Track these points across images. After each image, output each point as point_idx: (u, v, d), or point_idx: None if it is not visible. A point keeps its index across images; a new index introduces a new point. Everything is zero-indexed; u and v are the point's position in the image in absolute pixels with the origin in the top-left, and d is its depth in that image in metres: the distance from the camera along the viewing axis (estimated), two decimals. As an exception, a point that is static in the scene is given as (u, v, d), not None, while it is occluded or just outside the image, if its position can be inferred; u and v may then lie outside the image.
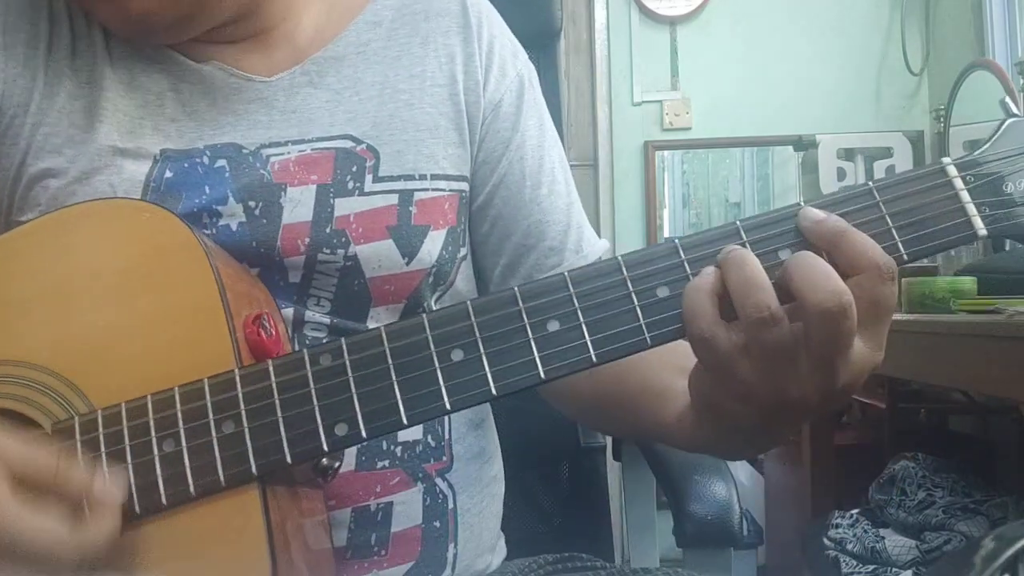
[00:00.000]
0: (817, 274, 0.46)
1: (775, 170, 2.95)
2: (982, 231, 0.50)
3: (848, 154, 2.49)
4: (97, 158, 0.65)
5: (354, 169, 0.67)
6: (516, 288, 0.50)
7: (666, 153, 2.84)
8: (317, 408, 0.50)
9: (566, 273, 0.50)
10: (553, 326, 0.50)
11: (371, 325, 0.67)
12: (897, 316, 1.70)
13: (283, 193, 0.65)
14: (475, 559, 0.72)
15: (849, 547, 1.71)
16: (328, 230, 0.65)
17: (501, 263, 0.75)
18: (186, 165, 0.65)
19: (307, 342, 0.65)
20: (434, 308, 0.72)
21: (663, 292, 0.50)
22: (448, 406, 0.49)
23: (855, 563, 1.69)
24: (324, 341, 0.66)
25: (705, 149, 2.86)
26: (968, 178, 0.50)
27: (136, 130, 0.66)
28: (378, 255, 0.66)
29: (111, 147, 0.65)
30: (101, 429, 0.51)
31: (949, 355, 1.19)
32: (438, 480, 0.69)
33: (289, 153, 0.67)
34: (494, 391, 0.49)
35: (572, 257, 0.75)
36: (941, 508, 1.65)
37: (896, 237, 0.50)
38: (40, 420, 0.53)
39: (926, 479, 1.71)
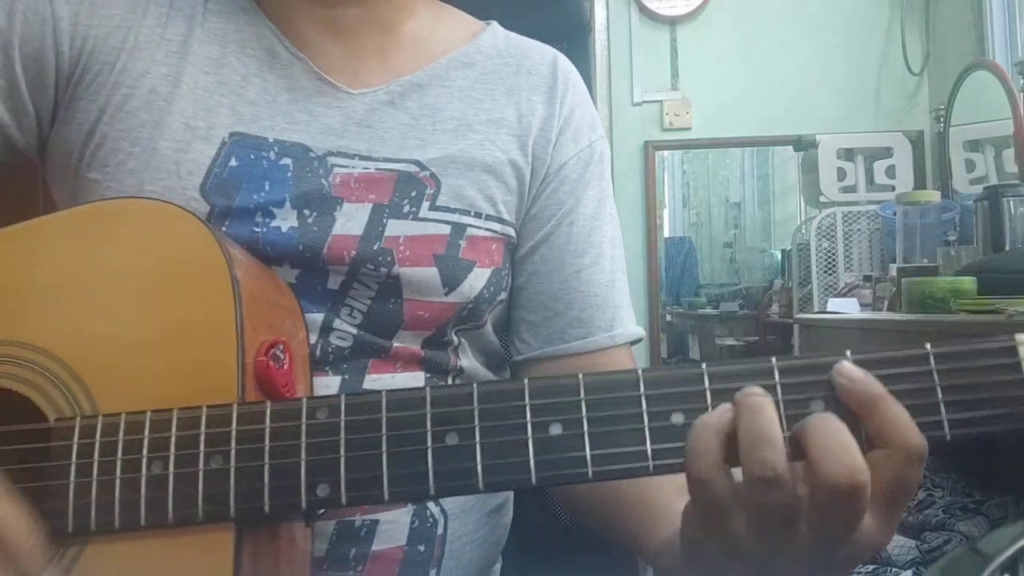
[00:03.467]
0: (835, 443, 0.42)
1: (775, 170, 2.96)
2: None
3: (848, 154, 2.49)
4: (168, 131, 0.65)
5: (413, 194, 0.68)
6: (527, 381, 0.48)
7: (666, 153, 2.85)
8: (304, 463, 0.49)
9: (580, 376, 0.48)
10: (555, 430, 0.47)
11: (396, 343, 0.68)
12: (897, 316, 1.70)
13: (339, 207, 0.66)
14: None
15: (849, 547, 1.71)
16: (376, 247, 0.66)
17: (528, 319, 0.75)
18: (252, 156, 0.66)
19: (330, 349, 0.66)
20: (455, 340, 0.72)
21: (678, 419, 0.46)
22: (432, 491, 0.47)
23: (855, 563, 1.69)
24: (346, 352, 0.66)
25: (705, 149, 2.87)
26: None
27: (212, 108, 0.67)
28: (419, 281, 0.66)
29: (184, 123, 0.65)
30: (99, 436, 0.51)
31: (949, 355, 1.18)
32: (431, 504, 0.68)
33: (353, 168, 0.67)
34: (481, 486, 0.47)
35: (600, 335, 0.73)
36: (941, 508, 1.65)
37: (943, 413, 0.44)
38: (46, 411, 0.53)
39: (926, 479, 1.71)
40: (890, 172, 2.46)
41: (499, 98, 0.74)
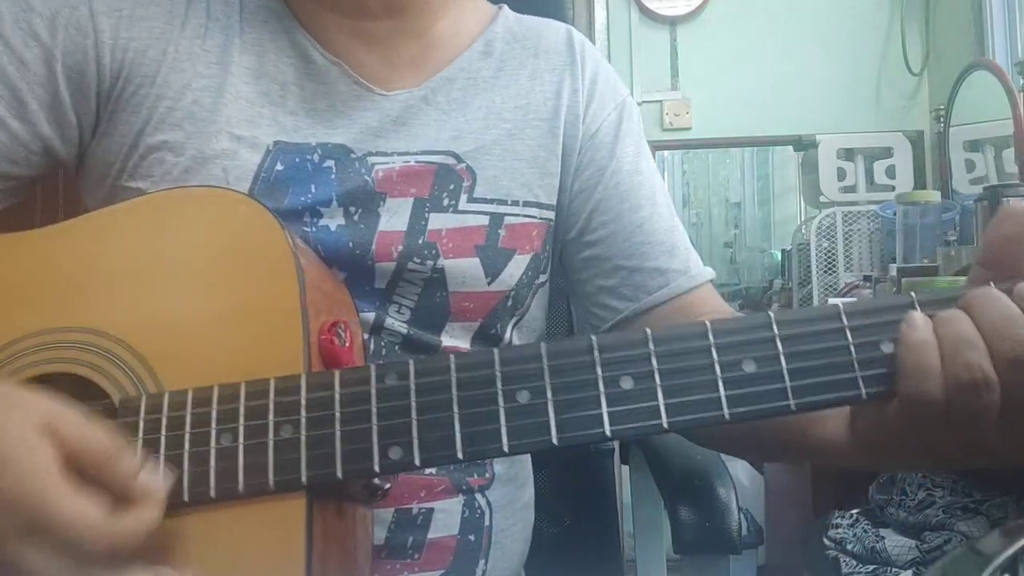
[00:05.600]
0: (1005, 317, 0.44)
1: (775, 170, 2.96)
2: None
3: (848, 154, 2.49)
4: (214, 141, 0.66)
5: (451, 187, 0.70)
6: (593, 337, 0.49)
7: (666, 153, 2.85)
8: (375, 427, 0.49)
9: (648, 331, 0.48)
10: (627, 383, 0.47)
11: (445, 339, 0.69)
12: (897, 316, 1.70)
13: (382, 202, 0.68)
14: None
15: (849, 547, 1.71)
16: (420, 241, 0.67)
17: (606, 285, 0.75)
18: (296, 160, 0.67)
19: (382, 347, 0.67)
20: (509, 334, 0.73)
21: (749, 367, 0.47)
22: (506, 448, 0.48)
23: (855, 563, 1.69)
24: (397, 350, 0.67)
25: (705, 149, 2.87)
26: None
27: (255, 119, 0.68)
28: (463, 271, 0.68)
29: (229, 133, 0.67)
30: (166, 411, 0.52)
31: (949, 355, 1.18)
32: (478, 495, 0.70)
33: (394, 163, 0.69)
34: (555, 440, 0.47)
35: (679, 278, 0.74)
36: (941, 508, 1.65)
37: None
38: (110, 392, 0.54)
39: (926, 479, 1.71)
40: (890, 172, 2.46)
41: (523, 83, 0.76)
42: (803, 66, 2.70)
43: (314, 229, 0.66)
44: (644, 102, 2.75)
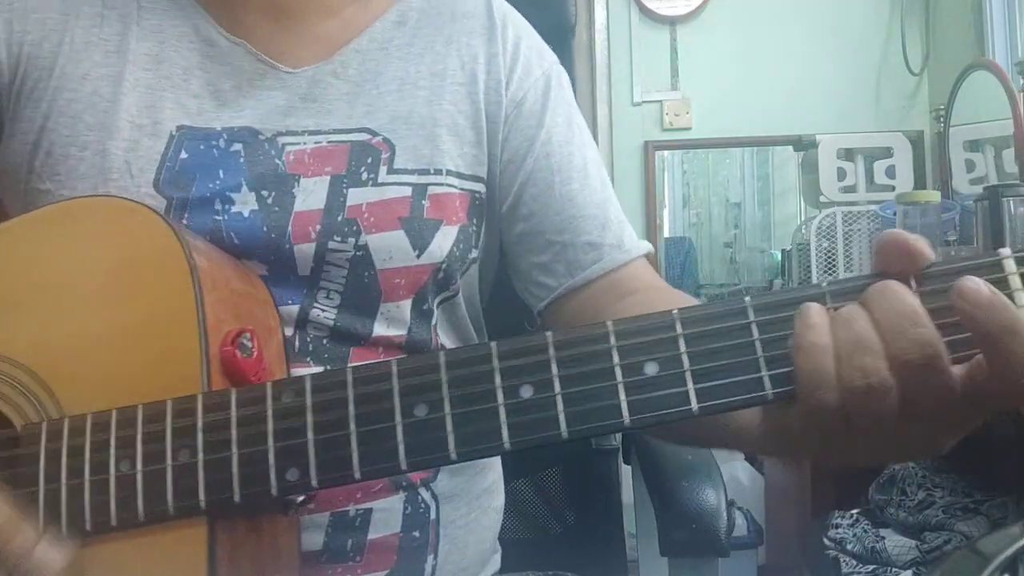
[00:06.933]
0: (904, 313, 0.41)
1: (775, 170, 2.96)
2: None
3: (848, 154, 2.48)
4: (115, 131, 0.65)
5: (369, 160, 0.67)
6: (494, 345, 0.47)
7: (666, 153, 2.84)
8: (271, 449, 0.47)
9: (549, 334, 0.46)
10: (527, 392, 0.45)
11: (379, 324, 0.67)
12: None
13: (296, 183, 0.65)
14: (456, 572, 0.71)
15: (849, 547, 1.71)
16: (340, 218, 0.65)
17: (539, 261, 0.73)
18: (202, 147, 0.65)
19: (308, 342, 0.65)
20: (435, 309, 0.71)
21: (651, 369, 0.44)
22: (404, 467, 0.46)
23: (855, 563, 1.69)
24: (325, 343, 0.65)
25: (705, 149, 2.87)
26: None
27: (156, 104, 0.66)
28: (388, 246, 0.65)
29: (130, 122, 0.65)
30: (65, 439, 0.50)
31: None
32: (421, 490, 0.68)
33: (305, 144, 0.67)
34: (453, 456, 0.46)
35: (613, 252, 0.73)
36: (941, 508, 1.65)
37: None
38: (13, 419, 0.52)
39: (926, 479, 1.71)
40: (890, 172, 2.46)
41: (439, 49, 0.73)
42: (803, 66, 2.71)
43: (227, 217, 0.63)
44: (644, 102, 2.76)
